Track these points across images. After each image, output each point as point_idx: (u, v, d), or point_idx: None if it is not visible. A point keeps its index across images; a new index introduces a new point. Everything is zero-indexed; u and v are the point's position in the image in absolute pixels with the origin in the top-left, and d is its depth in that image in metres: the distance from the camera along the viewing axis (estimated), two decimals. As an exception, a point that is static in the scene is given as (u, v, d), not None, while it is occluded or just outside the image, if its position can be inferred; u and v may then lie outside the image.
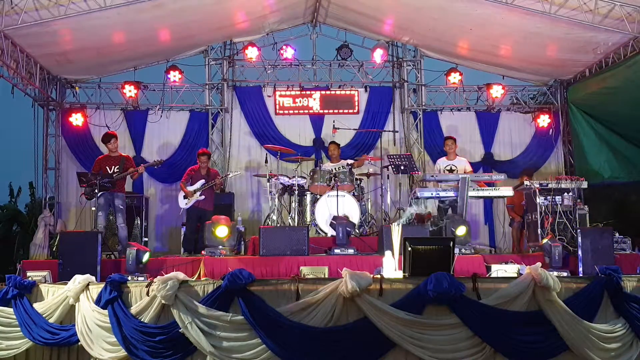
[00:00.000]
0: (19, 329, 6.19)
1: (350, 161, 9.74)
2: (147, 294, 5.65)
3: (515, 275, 6.12)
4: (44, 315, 6.12)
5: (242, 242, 8.70)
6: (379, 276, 5.55)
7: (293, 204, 9.26)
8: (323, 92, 12.00)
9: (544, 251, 7.08)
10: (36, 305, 6.23)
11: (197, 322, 5.41)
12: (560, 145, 12.11)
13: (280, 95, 11.94)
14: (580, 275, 6.81)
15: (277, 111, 11.92)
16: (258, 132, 11.82)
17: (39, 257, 9.98)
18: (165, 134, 11.75)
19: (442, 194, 8.32)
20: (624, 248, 8.17)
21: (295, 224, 8.93)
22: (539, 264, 5.72)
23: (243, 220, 10.23)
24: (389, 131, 11.49)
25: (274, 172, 9.94)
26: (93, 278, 6.22)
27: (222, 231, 7.58)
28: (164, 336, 5.52)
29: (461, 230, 7.46)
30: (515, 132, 12.20)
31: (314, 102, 11.92)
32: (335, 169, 9.27)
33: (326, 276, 6.16)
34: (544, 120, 11.98)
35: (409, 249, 5.68)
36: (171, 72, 11.46)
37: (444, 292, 5.26)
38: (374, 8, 10.76)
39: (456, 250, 6.40)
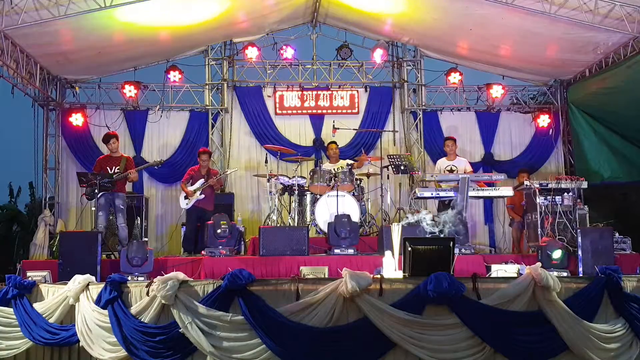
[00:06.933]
0: (19, 329, 6.20)
1: (350, 161, 9.74)
2: (147, 294, 5.66)
3: (515, 275, 6.11)
4: (44, 315, 6.13)
5: (242, 242, 8.70)
6: (379, 276, 5.56)
7: (293, 204, 9.26)
8: (323, 92, 12.00)
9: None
10: (36, 305, 6.23)
11: (197, 322, 5.42)
12: (560, 145, 12.10)
13: (281, 96, 11.94)
14: (580, 275, 6.80)
15: (277, 111, 11.92)
16: (258, 132, 11.82)
17: (39, 257, 9.98)
18: (165, 134, 11.74)
19: (442, 194, 8.31)
20: (624, 248, 8.18)
21: (295, 224, 8.93)
22: (539, 264, 5.73)
23: (243, 220, 10.26)
24: (389, 131, 11.49)
25: (274, 172, 9.94)
26: (93, 278, 6.22)
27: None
28: (164, 336, 5.52)
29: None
30: (515, 132, 12.19)
31: (314, 102, 11.93)
32: (335, 169, 9.27)
33: (326, 276, 6.16)
34: (544, 120, 11.97)
35: (409, 249, 5.68)
36: (171, 72, 11.48)
37: (444, 292, 5.26)
38: (374, 8, 10.75)
39: (456, 250, 6.40)
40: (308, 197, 9.19)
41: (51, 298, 6.23)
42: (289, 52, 11.56)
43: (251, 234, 9.41)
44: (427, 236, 6.79)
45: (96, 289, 5.92)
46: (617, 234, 8.17)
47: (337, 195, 8.46)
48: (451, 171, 9.28)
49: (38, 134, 11.11)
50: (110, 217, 8.89)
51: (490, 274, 6.49)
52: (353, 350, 5.35)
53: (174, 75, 11.49)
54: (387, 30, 11.70)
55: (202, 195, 9.06)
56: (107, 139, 8.94)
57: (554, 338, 5.41)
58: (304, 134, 11.94)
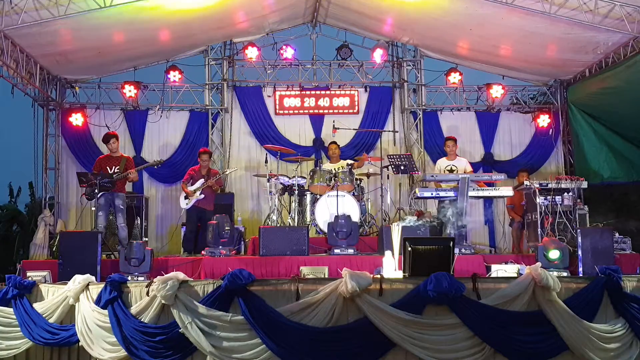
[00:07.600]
0: (19, 329, 6.20)
1: (350, 161, 9.74)
2: (147, 294, 5.66)
3: (515, 275, 6.12)
4: (44, 315, 6.13)
5: (242, 242, 8.70)
6: (379, 276, 5.56)
7: (293, 204, 9.26)
8: (323, 92, 12.01)
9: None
10: (36, 305, 6.23)
11: (197, 322, 5.42)
12: (560, 145, 12.11)
13: (280, 95, 11.94)
14: (580, 275, 6.80)
15: (277, 111, 11.92)
16: (258, 132, 11.82)
17: (39, 257, 9.98)
18: (165, 134, 11.75)
19: (442, 194, 8.32)
20: (624, 248, 8.17)
21: (295, 224, 8.93)
22: (539, 263, 5.73)
23: (243, 220, 10.27)
24: (389, 131, 11.49)
25: (274, 172, 9.94)
26: (93, 278, 6.23)
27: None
28: (164, 336, 5.52)
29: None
30: (515, 132, 12.20)
31: (314, 102, 11.93)
32: (335, 169, 9.27)
33: (326, 276, 6.16)
34: (544, 120, 11.98)
35: (409, 249, 5.68)
36: (171, 72, 11.48)
37: (444, 292, 5.26)
38: (374, 8, 10.75)
39: (456, 250, 6.40)
40: (308, 197, 9.19)
41: (51, 298, 6.23)
42: (289, 52, 11.56)
43: (251, 234, 9.40)
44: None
45: (96, 289, 5.93)
46: (617, 234, 8.17)
47: (337, 195, 8.46)
48: (451, 171, 9.28)
49: (38, 134, 11.13)
50: (110, 217, 8.89)
51: (490, 274, 6.50)
52: (353, 350, 5.35)
53: (174, 75, 11.49)
54: (387, 30, 11.70)
55: (202, 195, 9.06)
56: (107, 139, 8.94)
57: (554, 338, 5.41)
58: (304, 134, 11.95)
